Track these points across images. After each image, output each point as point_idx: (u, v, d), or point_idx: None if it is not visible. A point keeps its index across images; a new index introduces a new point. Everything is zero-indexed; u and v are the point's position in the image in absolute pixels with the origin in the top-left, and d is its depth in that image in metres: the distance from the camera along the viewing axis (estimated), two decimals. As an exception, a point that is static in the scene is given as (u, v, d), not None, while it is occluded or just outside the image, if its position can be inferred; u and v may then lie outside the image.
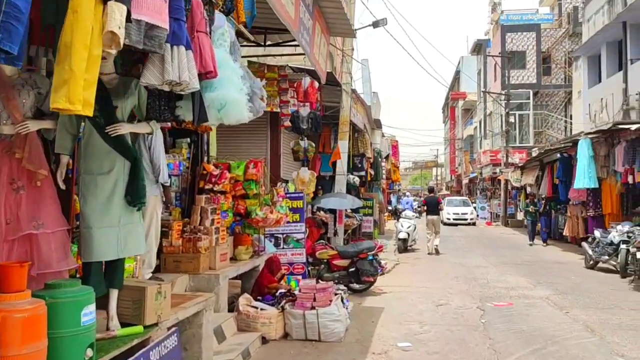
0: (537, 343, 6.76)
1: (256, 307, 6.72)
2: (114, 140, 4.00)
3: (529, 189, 28.14)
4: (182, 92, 4.12)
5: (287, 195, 9.39)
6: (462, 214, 32.42)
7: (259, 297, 7.07)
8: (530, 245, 19.25)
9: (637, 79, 18.05)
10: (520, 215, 31.81)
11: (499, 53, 35.83)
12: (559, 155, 18.26)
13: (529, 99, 36.50)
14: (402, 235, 17.14)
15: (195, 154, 7.80)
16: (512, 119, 35.30)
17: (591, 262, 13.30)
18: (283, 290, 7.12)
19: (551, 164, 22.13)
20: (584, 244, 13.91)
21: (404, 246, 17.22)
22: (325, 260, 9.70)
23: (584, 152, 15.44)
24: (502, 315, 8.35)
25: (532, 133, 36.92)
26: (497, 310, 8.71)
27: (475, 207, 35.92)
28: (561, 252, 17.38)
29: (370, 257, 9.78)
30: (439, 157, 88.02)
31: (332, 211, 13.32)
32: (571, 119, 34.20)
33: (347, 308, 7.18)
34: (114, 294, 4.09)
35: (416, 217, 18.02)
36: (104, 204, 3.96)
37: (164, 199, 6.08)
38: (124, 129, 4.04)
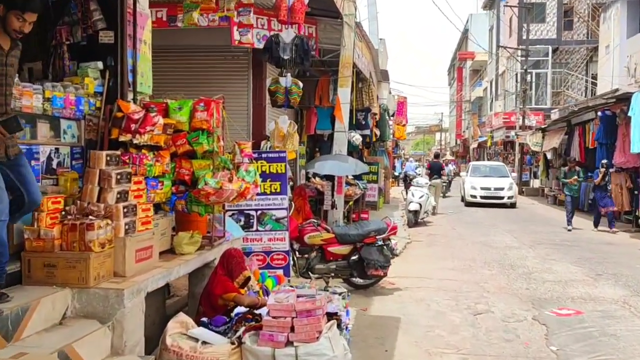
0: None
1: (196, 340, 4.01)
2: None
3: (549, 155, 25.35)
4: None
5: (264, 156, 6.60)
6: (496, 189, 20.74)
7: (203, 319, 4.36)
8: (569, 230, 13.94)
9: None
10: (536, 183, 29.06)
11: (517, 4, 32.46)
12: (599, 114, 15.35)
13: (547, 55, 33.32)
14: (414, 207, 14.41)
15: (114, 88, 4.96)
16: (528, 79, 32.10)
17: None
18: (242, 310, 4.39)
19: (583, 125, 19.28)
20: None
21: (415, 219, 14.51)
22: (317, 247, 6.97)
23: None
24: (576, 333, 5.66)
25: (549, 94, 33.94)
26: (563, 323, 6.01)
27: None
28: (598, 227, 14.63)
29: (380, 243, 7.06)
30: (443, 121, 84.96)
31: (330, 178, 10.55)
32: (594, 78, 31.17)
33: (347, 337, 4.46)
34: None
35: (429, 185, 15.24)
36: None
37: None
38: None
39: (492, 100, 43.54)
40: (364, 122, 13.67)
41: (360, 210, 12.97)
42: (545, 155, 25.53)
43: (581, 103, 22.84)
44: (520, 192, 29.10)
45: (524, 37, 31.81)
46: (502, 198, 20.45)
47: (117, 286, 3.69)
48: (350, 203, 11.23)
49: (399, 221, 15.39)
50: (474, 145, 49.43)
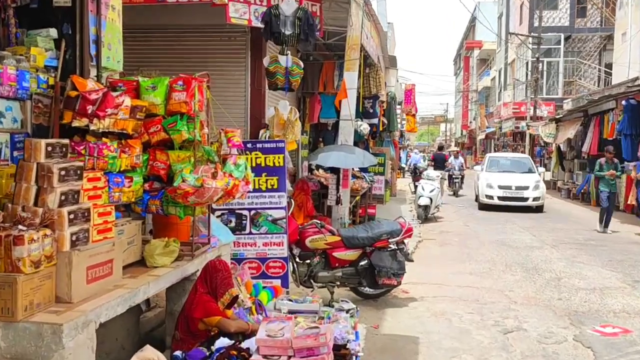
0: None
1: (164, 384, 3.10)
2: None
3: (562, 146, 24.33)
4: None
5: (259, 146, 5.66)
6: (518, 188, 16.30)
7: (176, 354, 3.45)
8: (603, 232, 12.05)
9: None
10: (546, 175, 28.02)
11: (529, -10, 31.29)
12: (623, 102, 14.34)
13: (559, 44, 32.19)
14: (424, 202, 13.46)
15: (72, 62, 4.03)
16: (539, 67, 30.93)
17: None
18: (225, 344, 3.46)
19: (601, 115, 18.27)
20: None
21: (425, 214, 13.58)
22: (320, 252, 6.05)
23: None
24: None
25: (561, 83, 32.84)
26: (612, 346, 5.09)
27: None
28: (621, 224, 13.66)
29: (393, 247, 6.13)
30: (448, 112, 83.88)
31: (334, 170, 9.62)
32: (608, 68, 30.03)
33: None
34: None
35: (440, 177, 14.26)
36: None
37: None
38: None
39: (500, 90, 42.43)
40: (371, 110, 12.69)
41: (367, 204, 12.03)
42: (558, 147, 24.53)
43: (597, 92, 21.84)
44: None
45: (536, 25, 30.71)
46: (525, 200, 16.03)
47: (54, 319, 2.77)
48: (357, 198, 10.28)
49: (407, 216, 14.51)
50: (481, 136, 48.38)
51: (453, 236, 11.55)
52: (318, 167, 10.62)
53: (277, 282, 5.45)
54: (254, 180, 5.36)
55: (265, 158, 5.48)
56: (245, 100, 9.68)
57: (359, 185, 10.70)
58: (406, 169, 24.04)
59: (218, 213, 5.50)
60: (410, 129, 22.57)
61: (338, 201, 9.36)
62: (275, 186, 5.50)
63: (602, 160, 12.62)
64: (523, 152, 32.02)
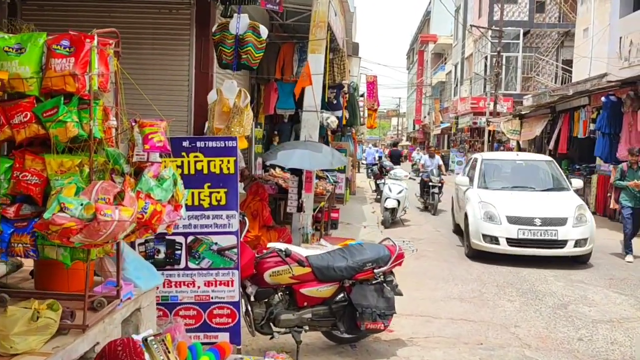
0: None
1: None
2: None
3: (521, 144, 23.56)
4: None
5: (199, 146, 4.04)
6: (548, 221, 8.59)
7: None
8: (629, 262, 8.89)
9: None
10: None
11: (490, -18, 30.46)
12: (603, 99, 13.36)
13: (518, 38, 31.57)
14: (391, 204, 12.08)
15: None
16: (494, 63, 30.17)
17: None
18: None
19: (570, 112, 17.40)
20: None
21: (392, 218, 12.22)
22: (284, 287, 4.50)
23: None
24: None
25: (519, 79, 32.24)
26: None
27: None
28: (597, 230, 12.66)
29: (379, 279, 4.66)
30: (400, 106, 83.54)
31: (295, 170, 8.07)
32: (567, 64, 29.55)
33: None
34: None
35: (409, 177, 12.90)
36: None
37: None
38: None
39: (456, 85, 41.76)
40: (335, 102, 11.16)
41: (329, 208, 10.55)
42: (518, 144, 23.76)
43: (560, 88, 21.09)
44: (489, 183, 27.33)
45: (496, 18, 29.94)
46: (561, 245, 8.58)
47: None
48: (322, 204, 8.75)
49: (371, 218, 13.14)
50: (436, 131, 47.76)
51: (426, 245, 10.19)
52: (274, 165, 9.09)
53: (223, 337, 3.89)
54: (193, 193, 3.78)
55: (208, 162, 3.88)
56: (189, 86, 8.02)
57: (323, 188, 9.19)
58: (368, 166, 22.74)
59: (140, 240, 3.87)
60: (370, 125, 21.21)
61: (300, 208, 7.84)
62: (223, 202, 3.92)
63: (624, 165, 9.25)
64: (481, 148, 31.28)
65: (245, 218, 4.51)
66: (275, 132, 11.52)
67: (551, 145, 18.79)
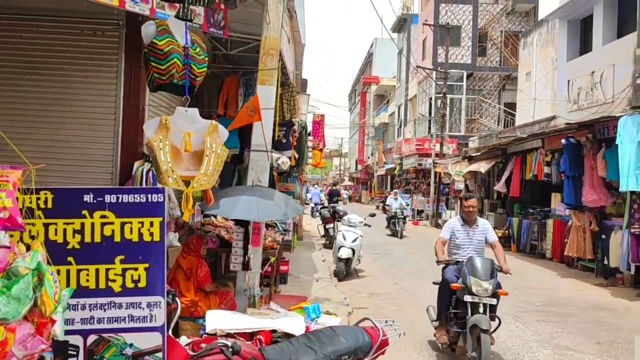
0: None
1: None
2: None
3: (469, 186, 23.17)
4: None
5: (108, 201, 2.78)
6: None
7: None
8: None
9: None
10: (453, 215, 26.79)
11: (433, 25, 30.66)
12: (563, 141, 12.89)
13: (462, 80, 31.82)
14: (345, 254, 10.97)
15: None
16: (439, 104, 30.18)
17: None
18: None
19: (522, 154, 17.02)
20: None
21: (346, 269, 11.10)
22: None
23: (629, 136, 10.07)
24: None
25: (464, 120, 32.35)
26: None
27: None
28: (561, 279, 12.06)
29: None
30: (343, 147, 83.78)
31: (241, 221, 6.83)
32: (509, 107, 29.85)
33: None
34: None
35: (364, 224, 11.86)
36: None
37: None
38: None
39: (400, 126, 41.75)
40: (284, 141, 10.09)
41: (278, 260, 9.30)
42: (467, 186, 23.36)
43: (505, 130, 20.96)
44: (436, 225, 26.78)
45: (440, 60, 30.05)
46: None
47: None
48: (272, 259, 7.49)
49: (322, 268, 11.95)
50: (380, 172, 47.47)
51: (387, 302, 9.11)
52: (212, 216, 7.84)
53: None
54: (98, 271, 2.54)
55: (122, 225, 2.65)
56: (116, 120, 6.78)
57: (273, 240, 7.97)
58: (317, 210, 21.85)
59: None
60: (316, 164, 20.26)
61: (246, 266, 6.59)
62: (143, 283, 2.68)
63: None
64: (426, 190, 30.89)
65: (177, 299, 3.26)
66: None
67: (500, 187, 18.36)
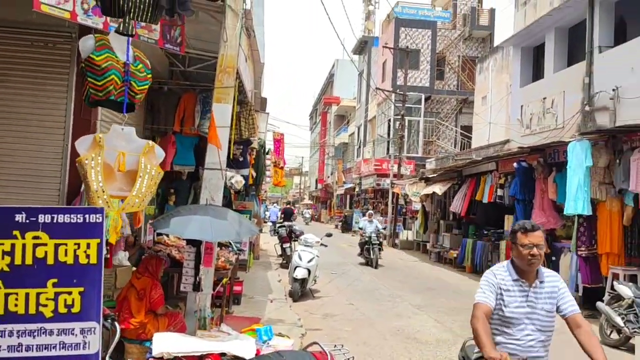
0: None
1: None
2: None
3: (426, 206, 23.46)
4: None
5: (41, 221, 2.66)
6: None
7: None
8: None
9: (606, 71, 13.63)
10: (409, 235, 27.01)
11: (393, 48, 31.21)
12: (515, 165, 13.21)
13: (420, 103, 32.40)
14: (301, 274, 10.88)
15: None
16: (397, 126, 30.61)
17: (621, 337, 8.16)
18: None
19: (477, 177, 17.36)
20: (601, 305, 8.67)
21: (302, 290, 11.00)
22: None
23: (578, 161, 10.39)
24: None
25: (421, 142, 32.87)
26: None
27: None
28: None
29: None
30: (303, 165, 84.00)
31: (193, 240, 6.68)
32: (466, 130, 30.53)
33: None
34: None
35: (321, 244, 11.82)
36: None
37: None
38: None
39: (360, 146, 42.12)
40: (241, 159, 10.02)
41: (232, 280, 9.15)
42: (424, 207, 23.67)
43: (462, 153, 21.39)
44: (393, 245, 26.99)
45: (400, 83, 30.55)
46: None
47: None
48: (224, 280, 7.35)
49: (277, 288, 11.83)
50: (339, 191, 47.66)
51: (342, 323, 9.05)
52: (162, 234, 7.65)
53: None
54: (28, 295, 2.41)
55: (56, 247, 2.53)
56: (65, 135, 6.61)
57: (226, 260, 7.82)
58: (275, 229, 21.59)
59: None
60: (277, 182, 20.18)
61: (197, 286, 6.44)
62: (77, 308, 2.55)
63: None
64: (384, 209, 31.12)
65: (116, 323, 3.13)
66: (172, 191, 10.09)
67: (455, 208, 18.65)
